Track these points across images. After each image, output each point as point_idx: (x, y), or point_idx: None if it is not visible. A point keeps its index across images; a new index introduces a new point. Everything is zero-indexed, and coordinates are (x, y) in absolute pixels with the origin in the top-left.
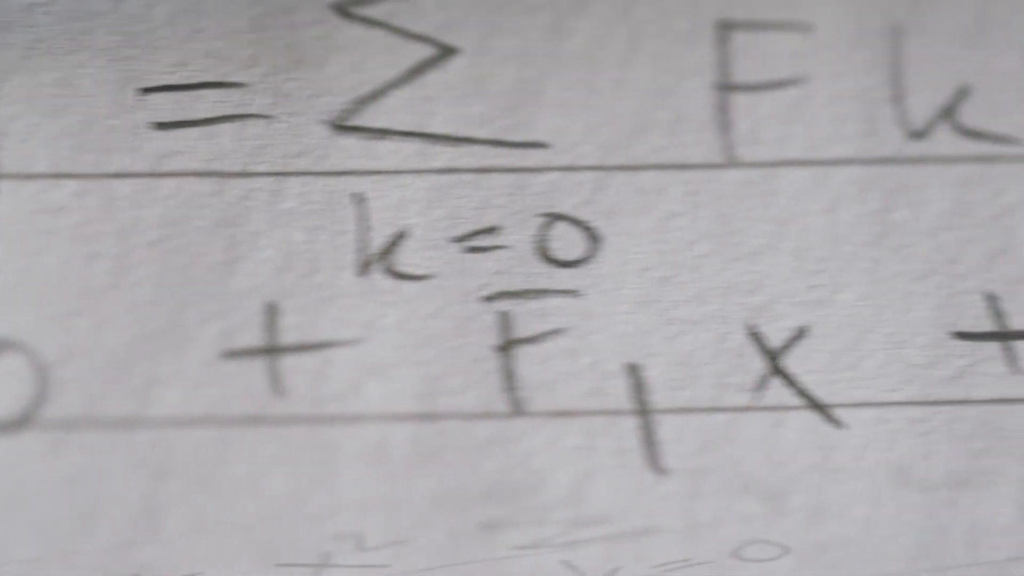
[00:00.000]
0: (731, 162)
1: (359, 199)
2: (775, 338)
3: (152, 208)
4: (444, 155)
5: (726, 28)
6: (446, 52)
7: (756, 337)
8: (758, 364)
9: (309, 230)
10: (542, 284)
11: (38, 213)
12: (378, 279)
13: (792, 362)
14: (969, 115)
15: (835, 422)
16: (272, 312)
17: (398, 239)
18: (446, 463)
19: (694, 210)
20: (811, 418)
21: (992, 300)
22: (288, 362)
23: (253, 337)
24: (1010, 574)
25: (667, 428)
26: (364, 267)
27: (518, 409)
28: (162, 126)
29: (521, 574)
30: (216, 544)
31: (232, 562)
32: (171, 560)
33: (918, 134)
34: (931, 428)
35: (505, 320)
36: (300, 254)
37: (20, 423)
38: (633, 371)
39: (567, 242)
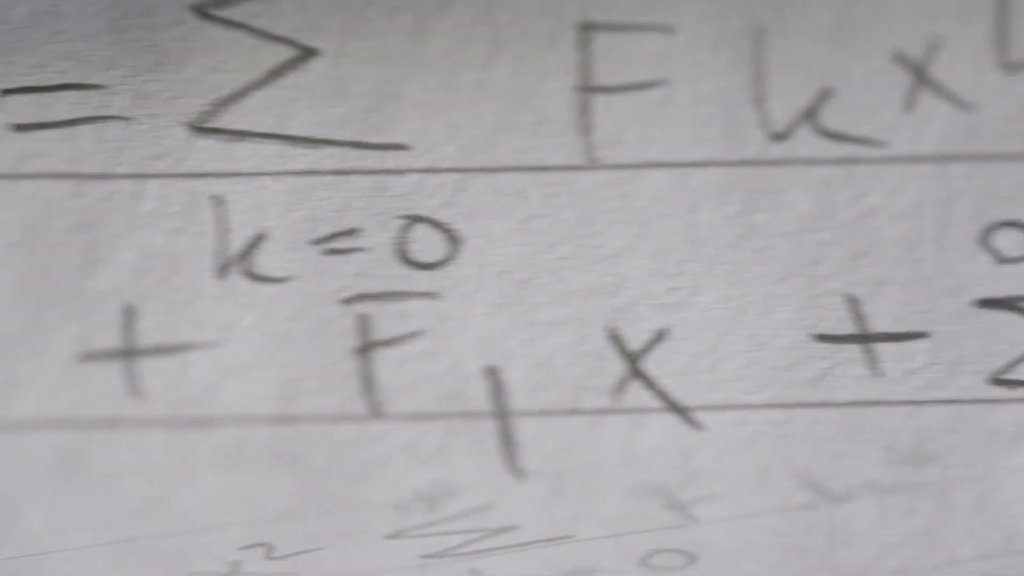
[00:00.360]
0: (592, 164)
1: (218, 201)
2: (635, 340)
3: (11, 210)
4: (304, 157)
5: (588, 30)
6: (306, 54)
7: (616, 339)
8: (618, 366)
9: (168, 232)
10: (401, 286)
11: None
12: (237, 281)
13: (652, 364)
14: (831, 117)
15: (695, 424)
16: (130, 314)
17: (257, 241)
18: (305, 466)
19: (554, 212)
20: (670, 421)
21: (853, 302)
22: (146, 364)
23: (111, 339)
24: None
25: (526, 430)
26: (223, 269)
27: (376, 411)
28: (21, 128)
29: None
30: (107, 552)
31: (139, 571)
32: (34, 569)
33: (780, 136)
34: (791, 431)
35: (364, 322)
36: (159, 256)
37: None
38: (492, 373)
39: (427, 244)
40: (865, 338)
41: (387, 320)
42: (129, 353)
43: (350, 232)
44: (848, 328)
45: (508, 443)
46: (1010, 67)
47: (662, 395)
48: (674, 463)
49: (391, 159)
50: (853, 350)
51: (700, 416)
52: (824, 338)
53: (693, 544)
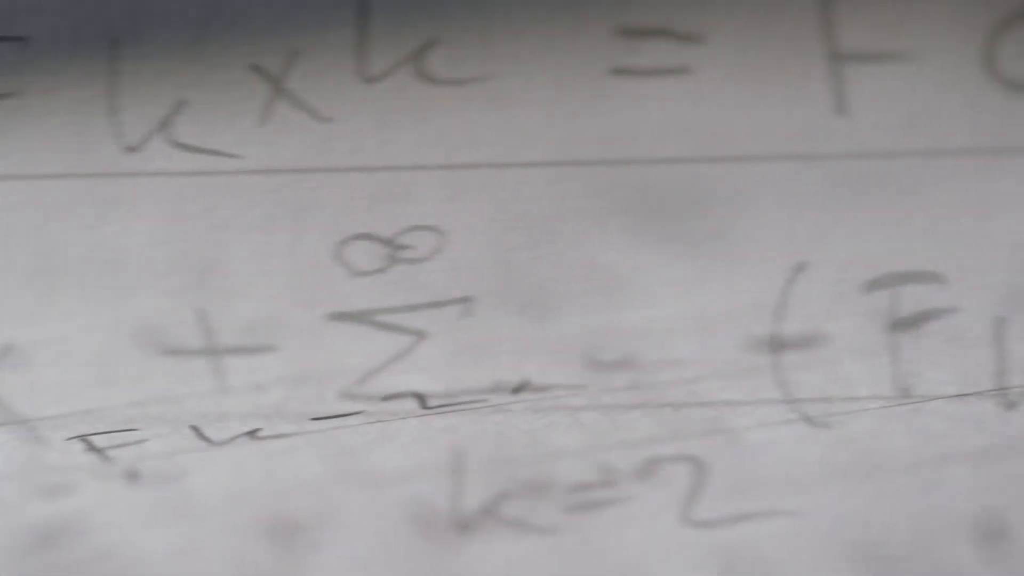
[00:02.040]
0: None
1: None
2: None
3: None
4: None
5: None
6: None
7: None
8: None
9: None
10: None
11: None
12: None
13: None
14: (185, 129)
15: (40, 440)
16: None
17: None
18: None
19: None
20: (17, 434)
21: (203, 315)
22: None
23: None
24: None
25: None
26: None
27: None
28: None
29: None
30: None
31: None
32: None
33: (132, 148)
34: (146, 444)
35: None
36: None
37: None
38: None
39: None
40: (213, 352)
41: None
42: None
43: None
44: (197, 342)
45: None
46: (369, 79)
47: (6, 409)
48: (25, 479)
49: None
50: (201, 363)
51: (46, 432)
52: (174, 352)
53: None
